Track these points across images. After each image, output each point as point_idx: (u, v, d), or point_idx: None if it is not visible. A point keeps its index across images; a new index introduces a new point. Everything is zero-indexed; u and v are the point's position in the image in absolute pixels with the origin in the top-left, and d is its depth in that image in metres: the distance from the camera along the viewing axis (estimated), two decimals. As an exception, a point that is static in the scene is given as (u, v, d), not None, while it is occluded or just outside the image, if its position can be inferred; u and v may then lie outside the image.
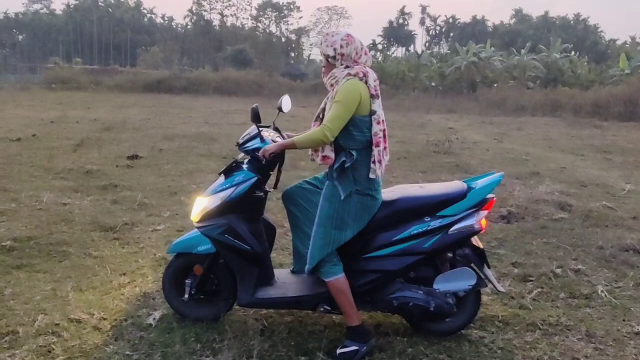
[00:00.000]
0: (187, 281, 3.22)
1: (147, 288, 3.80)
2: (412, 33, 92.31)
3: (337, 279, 2.95)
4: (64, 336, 3.06)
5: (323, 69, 3.06)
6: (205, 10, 77.68)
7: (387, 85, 32.04)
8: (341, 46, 2.92)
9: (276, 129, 3.42)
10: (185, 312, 3.31)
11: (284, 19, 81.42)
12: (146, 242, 4.83)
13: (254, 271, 3.15)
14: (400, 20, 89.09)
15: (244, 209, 3.13)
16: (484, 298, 3.68)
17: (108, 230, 5.08)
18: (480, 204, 3.06)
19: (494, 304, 3.75)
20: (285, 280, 3.31)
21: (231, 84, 34.75)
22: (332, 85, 2.96)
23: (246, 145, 3.16)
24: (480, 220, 3.05)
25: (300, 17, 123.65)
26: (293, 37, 78.23)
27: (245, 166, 3.15)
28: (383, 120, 2.94)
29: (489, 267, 3.20)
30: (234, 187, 3.11)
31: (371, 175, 2.90)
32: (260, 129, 3.18)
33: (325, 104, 2.97)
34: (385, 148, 2.95)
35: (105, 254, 4.47)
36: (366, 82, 2.90)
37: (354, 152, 2.89)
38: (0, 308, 3.42)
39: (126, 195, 6.47)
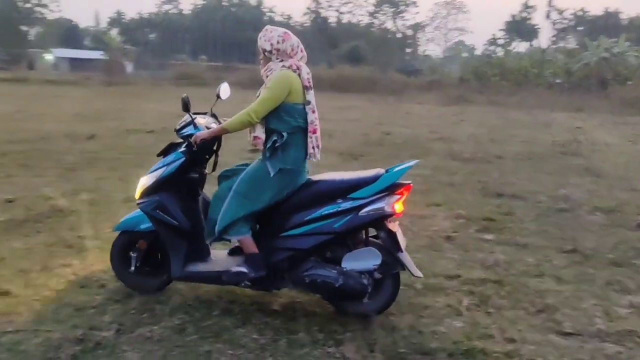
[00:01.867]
0: (132, 255, 3.51)
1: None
2: (536, 27, 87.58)
3: (243, 239, 3.24)
4: (196, 316, 3.25)
5: (261, 61, 3.31)
6: (322, 8, 78.98)
7: (508, 82, 30.67)
8: (277, 42, 3.21)
9: (213, 116, 3.64)
10: (131, 284, 3.57)
11: (400, 15, 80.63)
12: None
13: (183, 246, 3.39)
14: (524, 14, 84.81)
15: (176, 187, 3.38)
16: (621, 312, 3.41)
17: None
18: (391, 189, 3.16)
19: (632, 317, 3.46)
20: (219, 258, 3.53)
21: (345, 80, 35.02)
22: (267, 76, 3.23)
23: (182, 132, 3.38)
24: (392, 204, 3.14)
25: (417, 13, 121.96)
26: (409, 32, 77.34)
27: (180, 149, 3.38)
28: (316, 110, 3.25)
29: (401, 251, 3.22)
30: (165, 167, 3.38)
31: (313, 159, 3.23)
32: (195, 116, 3.42)
33: (260, 92, 3.20)
34: (317, 141, 3.24)
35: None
36: (299, 75, 3.19)
37: (284, 134, 3.15)
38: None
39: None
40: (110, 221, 5.03)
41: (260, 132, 3.30)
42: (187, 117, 3.43)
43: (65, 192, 6.16)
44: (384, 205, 3.13)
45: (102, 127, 12.07)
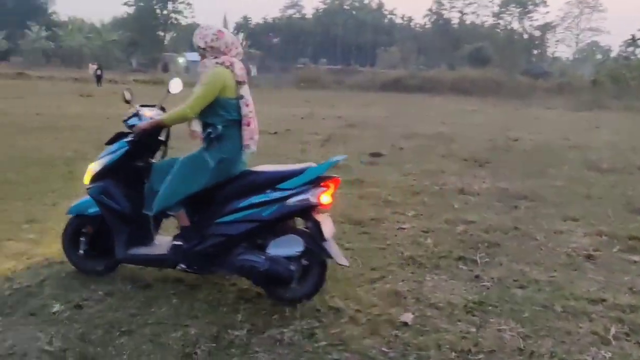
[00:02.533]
0: (81, 239, 3.76)
1: (397, 286, 3.82)
2: (683, 25, 79.35)
3: (178, 213, 3.55)
4: (325, 322, 3.23)
5: (200, 59, 3.51)
6: (444, 9, 77.38)
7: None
8: (212, 40, 3.44)
9: (162, 109, 3.86)
10: (81, 266, 3.81)
11: (528, 15, 76.82)
12: (393, 239, 4.90)
13: (126, 230, 3.65)
14: (669, 11, 77.19)
15: (121, 174, 3.67)
16: None
17: (357, 224, 5.29)
18: (317, 181, 3.37)
19: None
20: (161, 243, 3.74)
21: (468, 83, 34.02)
22: (202, 72, 3.44)
23: (127, 122, 3.67)
24: (317, 195, 3.33)
25: (547, 12, 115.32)
26: (536, 33, 73.42)
27: (126, 138, 3.64)
28: (250, 103, 3.48)
29: (325, 240, 3.34)
30: (110, 155, 3.66)
31: (248, 151, 3.49)
32: (141, 108, 3.71)
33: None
34: (254, 131, 3.50)
35: (355, 247, 4.65)
36: (232, 70, 3.41)
37: (219, 127, 3.39)
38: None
39: (371, 191, 6.69)
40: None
41: (196, 127, 3.59)
42: (136, 109, 3.71)
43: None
44: (309, 196, 3.34)
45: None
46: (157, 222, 3.86)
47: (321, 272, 3.49)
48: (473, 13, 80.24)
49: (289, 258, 3.36)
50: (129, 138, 3.63)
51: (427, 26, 77.94)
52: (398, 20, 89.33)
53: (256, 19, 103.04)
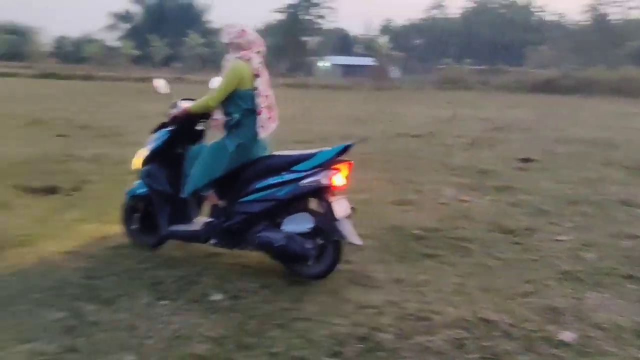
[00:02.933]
0: (134, 215, 4.33)
1: (554, 302, 3.57)
2: None
3: (209, 194, 4.02)
4: (475, 334, 3.11)
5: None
6: (603, 4, 71.24)
7: None
8: (235, 36, 3.86)
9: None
10: (136, 240, 4.35)
11: None
12: (547, 251, 4.59)
13: (167, 208, 4.12)
14: None
15: (163, 159, 4.16)
16: None
17: (508, 233, 5.03)
18: (327, 164, 3.68)
19: None
20: (198, 221, 4.18)
21: (631, 83, 31.01)
22: (224, 66, 3.88)
23: (169, 113, 4.14)
24: (329, 176, 3.64)
25: None
26: None
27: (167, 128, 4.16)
28: (267, 96, 3.87)
29: (336, 220, 3.62)
30: (154, 142, 4.18)
31: (258, 136, 3.85)
32: (181, 101, 4.18)
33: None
34: (270, 118, 3.89)
35: (506, 257, 4.42)
36: (250, 63, 3.82)
37: (236, 115, 3.83)
38: (414, 293, 3.70)
39: (523, 198, 6.33)
40: (382, 223, 5.22)
41: (218, 116, 4.01)
42: (175, 101, 4.21)
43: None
44: (320, 177, 3.65)
45: (373, 130, 12.73)
46: (198, 203, 4.32)
47: (336, 251, 3.75)
48: (637, 8, 73.09)
49: (304, 236, 3.68)
50: (170, 127, 4.16)
51: (583, 22, 72.24)
52: (549, 18, 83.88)
53: (400, 21, 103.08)
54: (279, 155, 3.92)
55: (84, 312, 3.22)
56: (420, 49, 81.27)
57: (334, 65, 67.52)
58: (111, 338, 2.95)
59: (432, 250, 4.56)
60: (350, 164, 3.80)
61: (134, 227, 4.38)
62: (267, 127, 3.90)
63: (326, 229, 3.70)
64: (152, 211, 4.24)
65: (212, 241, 4.00)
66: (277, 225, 3.80)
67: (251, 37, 3.93)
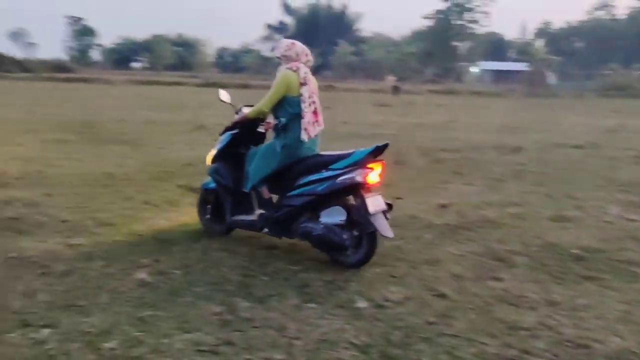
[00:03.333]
0: (207, 206, 5.00)
1: None
2: None
3: (262, 190, 4.52)
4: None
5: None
6: None
7: None
8: (285, 50, 4.40)
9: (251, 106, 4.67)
10: (208, 228, 4.98)
11: None
12: None
13: (231, 201, 4.71)
14: None
15: (228, 158, 4.75)
16: None
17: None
18: (361, 163, 4.12)
19: None
20: (256, 213, 4.56)
21: None
22: (277, 76, 4.35)
23: (234, 118, 4.78)
24: (364, 175, 4.07)
25: None
26: None
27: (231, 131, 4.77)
28: (313, 102, 4.36)
29: (368, 213, 4.02)
30: (220, 144, 4.81)
31: (301, 138, 4.28)
32: (244, 107, 4.79)
33: None
34: (315, 122, 4.37)
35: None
36: (297, 73, 4.29)
37: (283, 119, 4.32)
38: (571, 317, 3.42)
39: None
40: (536, 239, 4.91)
41: (270, 119, 4.58)
42: (238, 108, 4.86)
43: (493, 202, 6.32)
44: (355, 175, 4.05)
45: (527, 139, 12.06)
46: (258, 197, 4.62)
47: (371, 242, 4.13)
48: None
49: (341, 228, 4.10)
50: (234, 131, 4.74)
51: None
52: None
53: (559, 23, 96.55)
54: (320, 155, 4.41)
55: (239, 308, 3.42)
56: (580, 53, 75.40)
57: (484, 71, 65.17)
58: (263, 335, 3.09)
59: (593, 273, 4.19)
60: (382, 162, 4.20)
61: (206, 217, 5.04)
62: (311, 130, 4.35)
63: (359, 221, 4.11)
64: (221, 203, 4.87)
65: (265, 230, 4.53)
66: (317, 218, 4.26)
67: (299, 49, 4.44)
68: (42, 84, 34.83)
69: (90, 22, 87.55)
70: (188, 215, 5.51)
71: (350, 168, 4.12)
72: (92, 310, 3.35)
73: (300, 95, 4.31)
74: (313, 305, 3.51)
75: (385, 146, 4.19)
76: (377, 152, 4.16)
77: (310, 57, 4.50)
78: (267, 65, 71.06)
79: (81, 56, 77.85)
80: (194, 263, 4.19)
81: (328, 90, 37.72)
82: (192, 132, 12.54)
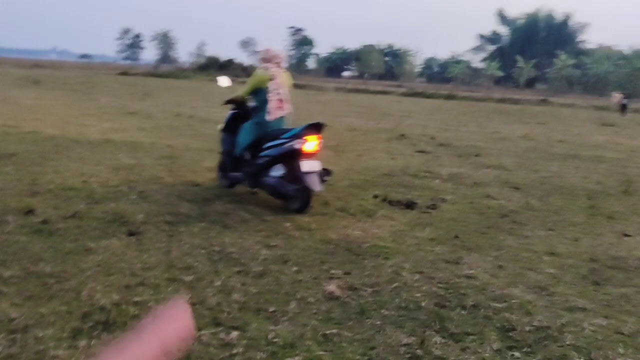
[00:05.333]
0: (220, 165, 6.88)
1: None
2: None
3: (246, 153, 6.14)
4: None
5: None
6: None
7: None
8: (262, 54, 6.21)
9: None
10: (220, 181, 6.73)
11: None
12: None
13: (229, 161, 6.44)
14: None
15: (230, 129, 6.42)
16: None
17: None
18: (300, 135, 5.55)
19: None
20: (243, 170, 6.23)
21: None
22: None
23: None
24: (302, 144, 5.53)
25: None
26: None
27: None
28: (279, 93, 5.91)
29: (301, 171, 5.51)
30: (226, 118, 6.60)
31: (267, 118, 5.90)
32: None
33: None
34: (279, 107, 5.92)
35: None
36: (267, 71, 5.92)
37: (256, 103, 6.01)
38: None
39: None
40: None
41: (251, 102, 6.14)
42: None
43: None
44: (294, 143, 5.56)
45: None
46: (243, 159, 6.18)
47: (307, 194, 5.57)
48: None
49: (288, 182, 5.63)
50: (235, 110, 6.42)
51: None
52: None
53: None
54: (277, 130, 5.88)
55: (431, 343, 3.06)
56: None
57: None
58: (456, 380, 2.71)
59: None
60: (316, 135, 5.60)
61: (219, 173, 6.70)
62: (274, 113, 5.92)
63: (298, 178, 5.55)
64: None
65: (246, 182, 6.11)
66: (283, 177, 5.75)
67: (271, 54, 6.10)
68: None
69: (310, 33, 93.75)
70: (382, 228, 5.31)
71: (292, 138, 5.60)
72: (280, 318, 3.29)
73: (267, 87, 5.90)
74: (517, 354, 3.00)
75: (320, 125, 5.70)
76: (316, 127, 5.64)
77: (281, 60, 6.16)
78: (476, 76, 68.96)
79: (298, 64, 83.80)
80: (384, 282, 3.93)
81: (542, 105, 35.21)
82: (392, 141, 12.44)
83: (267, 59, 6.06)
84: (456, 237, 5.16)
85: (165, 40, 75.82)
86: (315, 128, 5.62)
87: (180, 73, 55.35)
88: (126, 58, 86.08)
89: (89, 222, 4.94)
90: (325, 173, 5.80)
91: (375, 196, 6.64)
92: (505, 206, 6.56)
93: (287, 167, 5.66)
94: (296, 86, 36.38)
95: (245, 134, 6.07)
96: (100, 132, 10.70)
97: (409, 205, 6.26)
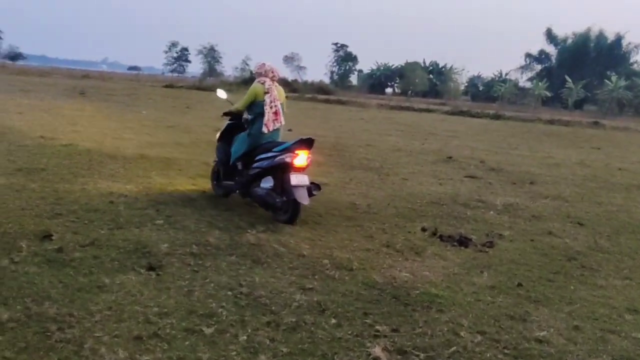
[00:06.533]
0: (215, 174, 7.05)
1: None
2: None
3: (238, 164, 6.42)
4: None
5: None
6: None
7: None
8: (257, 69, 6.49)
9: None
10: (215, 189, 6.97)
11: None
12: None
13: (223, 170, 6.70)
14: None
15: (225, 139, 6.71)
16: None
17: None
18: (291, 149, 5.78)
19: None
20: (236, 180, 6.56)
21: None
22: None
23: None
24: (292, 158, 5.74)
25: None
26: None
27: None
28: (275, 105, 6.19)
29: (290, 184, 5.70)
30: (222, 129, 6.86)
31: (262, 130, 6.16)
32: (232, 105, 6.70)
33: None
34: (275, 120, 6.21)
35: None
36: (263, 85, 6.23)
37: (251, 116, 6.26)
38: None
39: None
40: None
41: (247, 115, 6.34)
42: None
43: None
44: (285, 157, 5.75)
45: None
46: (236, 169, 6.45)
47: (294, 207, 5.74)
48: None
49: (276, 194, 5.84)
50: (231, 121, 6.68)
51: None
52: None
53: None
54: (270, 142, 6.11)
55: None
56: None
57: None
58: None
59: None
60: (305, 150, 5.79)
61: (214, 182, 6.90)
62: (270, 125, 6.14)
63: (286, 190, 5.71)
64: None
65: (238, 192, 6.39)
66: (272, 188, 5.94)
67: (267, 68, 6.33)
68: (305, 103, 37.83)
69: (353, 49, 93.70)
70: (434, 270, 4.68)
71: (283, 152, 5.81)
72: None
73: (264, 100, 6.16)
74: None
75: (311, 140, 5.88)
76: (306, 143, 5.83)
77: (276, 74, 6.42)
78: (523, 96, 67.18)
79: (341, 80, 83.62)
80: (440, 345, 3.30)
81: (593, 128, 33.69)
82: (439, 164, 11.74)
83: (263, 73, 6.34)
84: (519, 285, 4.48)
85: (211, 54, 76.73)
86: (306, 143, 5.84)
87: (224, 86, 55.76)
88: (173, 71, 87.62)
89: (108, 252, 4.48)
90: (314, 187, 6.02)
91: (424, 229, 6.00)
92: (571, 246, 5.82)
93: (276, 180, 5.90)
94: (339, 102, 35.91)
95: (239, 144, 6.37)
96: (137, 147, 10.39)
97: (463, 241, 5.60)
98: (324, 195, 7.40)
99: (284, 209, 5.78)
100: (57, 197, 6.05)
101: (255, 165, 6.06)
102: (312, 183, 5.96)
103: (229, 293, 3.87)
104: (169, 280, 4.02)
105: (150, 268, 4.20)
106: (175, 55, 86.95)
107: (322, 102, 41.09)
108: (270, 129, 6.16)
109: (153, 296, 3.70)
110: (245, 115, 6.33)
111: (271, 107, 6.14)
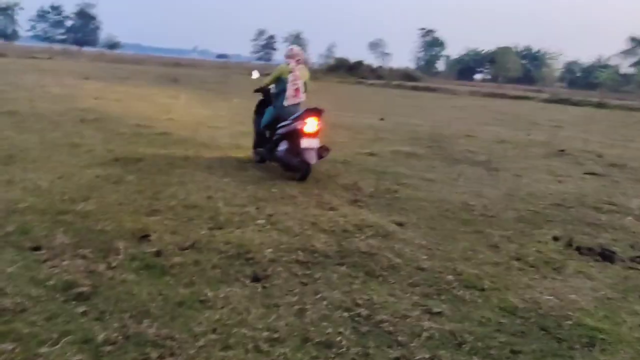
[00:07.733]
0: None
1: None
2: None
3: (266, 132, 7.62)
4: None
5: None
6: None
7: None
8: (286, 52, 7.53)
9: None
10: (255, 157, 7.99)
11: None
12: None
13: (257, 139, 7.89)
14: None
15: (259, 112, 7.92)
16: None
17: None
18: (302, 117, 6.77)
19: None
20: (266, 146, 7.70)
21: None
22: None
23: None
24: (302, 125, 6.71)
25: None
26: None
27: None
28: (296, 83, 7.19)
29: (300, 147, 6.73)
30: (257, 102, 8.10)
31: (284, 104, 7.20)
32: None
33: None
34: (295, 96, 7.22)
35: None
36: (288, 65, 7.25)
37: (275, 91, 7.46)
38: None
39: None
40: None
41: (274, 89, 7.57)
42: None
43: None
44: (296, 124, 6.75)
45: None
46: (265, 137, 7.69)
47: (307, 167, 6.78)
48: None
49: (292, 155, 6.92)
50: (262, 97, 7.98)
51: None
52: None
53: None
54: (289, 113, 7.12)
55: None
56: None
57: None
58: None
59: None
60: (314, 115, 6.76)
61: (253, 150, 7.90)
62: (291, 100, 7.22)
63: (295, 151, 6.84)
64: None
65: (266, 156, 7.48)
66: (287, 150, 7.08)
67: (294, 52, 7.47)
68: (391, 90, 36.87)
69: (441, 34, 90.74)
70: (581, 293, 3.93)
71: (296, 120, 6.82)
72: None
73: (287, 78, 7.18)
74: None
75: (317, 109, 6.80)
76: (313, 111, 6.78)
77: (302, 57, 7.51)
78: (626, 82, 62.52)
79: (427, 66, 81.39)
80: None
81: None
82: (552, 158, 10.66)
83: (290, 56, 7.42)
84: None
85: (297, 42, 77.13)
86: (314, 112, 6.79)
87: (310, 74, 55.69)
88: (259, 58, 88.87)
89: (209, 257, 4.07)
90: (324, 149, 7.00)
91: (556, 238, 5.21)
92: None
93: (291, 143, 6.90)
94: (427, 89, 34.65)
95: (267, 115, 7.57)
96: (231, 137, 10.11)
97: (606, 255, 4.77)
98: (432, 194, 6.74)
99: (298, 167, 6.86)
100: (154, 191, 5.77)
101: (276, 132, 7.19)
102: (321, 147, 6.92)
103: (345, 315, 3.34)
104: (277, 294, 3.55)
105: (256, 278, 3.75)
106: (262, 42, 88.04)
107: (410, 89, 39.94)
108: (291, 102, 7.25)
109: (261, 315, 3.24)
110: (272, 90, 7.61)
111: (293, 85, 7.23)
